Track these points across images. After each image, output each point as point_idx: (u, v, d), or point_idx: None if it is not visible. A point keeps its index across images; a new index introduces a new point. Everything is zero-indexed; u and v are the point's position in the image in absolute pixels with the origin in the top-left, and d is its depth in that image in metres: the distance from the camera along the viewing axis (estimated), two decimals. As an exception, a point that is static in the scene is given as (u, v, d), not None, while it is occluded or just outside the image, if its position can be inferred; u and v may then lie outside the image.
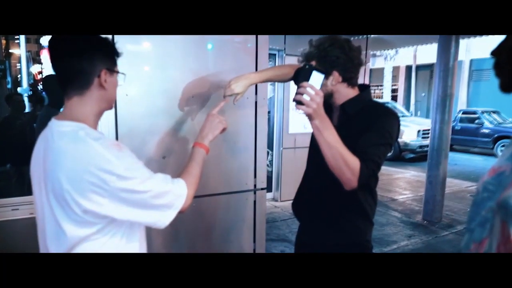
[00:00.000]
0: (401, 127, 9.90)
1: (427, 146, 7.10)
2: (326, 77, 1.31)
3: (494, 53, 0.75)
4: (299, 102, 1.21)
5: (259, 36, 2.38)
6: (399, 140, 9.92)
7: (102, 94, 1.09)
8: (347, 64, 1.45)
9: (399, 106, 13.09)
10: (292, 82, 1.87)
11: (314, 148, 1.45)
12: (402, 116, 11.33)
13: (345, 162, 1.26)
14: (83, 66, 1.04)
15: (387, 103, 12.74)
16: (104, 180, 0.95)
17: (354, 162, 1.27)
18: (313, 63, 1.46)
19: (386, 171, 8.27)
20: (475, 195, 0.74)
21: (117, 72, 1.13)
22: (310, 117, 1.24)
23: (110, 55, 1.11)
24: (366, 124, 1.40)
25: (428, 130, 10.19)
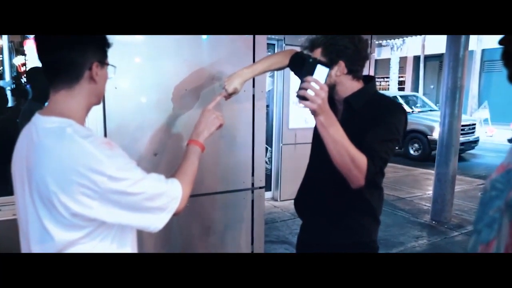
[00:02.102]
0: (432, 123, 9.37)
1: (463, 143, 6.57)
2: (331, 68, 1.31)
3: (502, 42, 0.75)
4: (303, 98, 1.22)
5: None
6: (429, 137, 9.13)
7: (92, 88, 1.08)
8: (354, 56, 1.46)
9: (426, 99, 11.68)
10: (292, 74, 1.87)
11: (318, 142, 1.46)
12: (431, 110, 10.41)
13: (351, 159, 1.27)
14: (74, 58, 1.03)
15: (414, 96, 11.56)
16: (94, 181, 0.94)
17: (361, 159, 1.29)
18: (318, 50, 1.46)
19: (393, 168, 8.29)
20: (482, 193, 0.74)
21: (108, 64, 1.13)
22: (314, 113, 1.24)
23: (102, 46, 1.10)
24: (372, 119, 1.41)
25: (467, 125, 9.40)
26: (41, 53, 1.04)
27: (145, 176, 1.05)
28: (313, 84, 1.21)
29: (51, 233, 0.98)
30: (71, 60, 1.03)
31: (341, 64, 1.46)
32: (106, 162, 0.95)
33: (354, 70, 1.49)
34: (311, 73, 1.24)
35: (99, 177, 0.94)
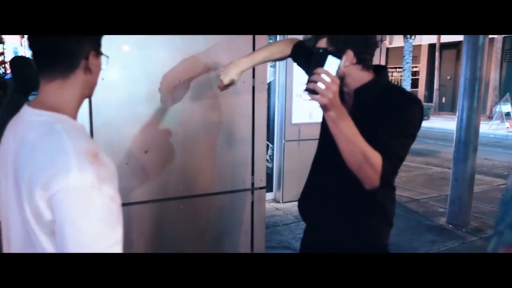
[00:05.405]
0: None
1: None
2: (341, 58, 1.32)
3: None
4: (312, 91, 1.22)
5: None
6: None
7: (87, 79, 1.09)
8: (363, 43, 1.47)
9: None
10: (295, 65, 1.87)
11: (326, 138, 1.47)
12: None
13: (365, 158, 1.28)
14: (71, 46, 1.04)
15: None
16: (49, 187, 0.91)
17: (375, 158, 1.30)
18: (324, 40, 1.47)
19: (405, 166, 8.29)
20: (504, 192, 0.75)
21: (102, 54, 1.14)
22: (325, 108, 1.25)
23: (98, 35, 1.11)
24: (386, 113, 1.42)
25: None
26: (35, 40, 1.04)
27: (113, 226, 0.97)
28: (323, 76, 1.21)
29: (32, 240, 0.98)
30: (68, 48, 1.03)
31: (350, 53, 1.46)
32: (75, 174, 0.92)
33: (364, 59, 1.49)
34: (321, 65, 1.24)
35: (55, 186, 0.91)
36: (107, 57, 1.16)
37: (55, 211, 0.92)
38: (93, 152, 0.99)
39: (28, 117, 1.04)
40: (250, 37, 2.36)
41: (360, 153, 1.28)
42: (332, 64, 1.26)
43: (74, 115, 1.09)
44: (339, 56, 1.28)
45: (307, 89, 1.23)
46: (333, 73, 1.24)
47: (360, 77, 1.51)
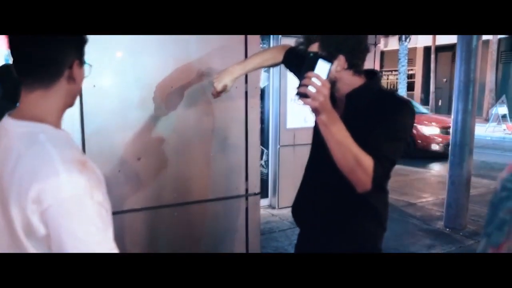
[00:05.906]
0: None
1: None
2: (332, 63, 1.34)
3: None
4: (303, 95, 1.23)
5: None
6: None
7: (70, 88, 1.09)
8: (354, 48, 1.48)
9: None
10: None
11: (318, 142, 1.48)
12: None
13: (357, 162, 1.30)
14: (54, 55, 1.04)
15: None
16: (40, 199, 0.91)
17: (366, 161, 1.32)
18: (315, 45, 1.48)
19: (402, 170, 8.31)
20: (493, 194, 0.76)
21: (85, 63, 1.14)
22: (316, 111, 1.27)
23: (82, 43, 1.11)
24: (378, 117, 1.44)
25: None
26: (16, 48, 1.04)
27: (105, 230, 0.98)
28: (314, 80, 1.22)
29: (22, 250, 0.98)
30: (51, 57, 1.03)
31: (341, 58, 1.47)
32: (64, 182, 0.92)
33: (355, 64, 1.51)
34: (312, 69, 1.26)
35: (48, 199, 0.91)
36: (90, 65, 1.16)
37: (50, 224, 0.92)
38: (81, 160, 0.99)
39: (10, 128, 1.03)
40: (242, 40, 2.38)
41: (352, 156, 1.30)
42: (322, 68, 1.28)
43: (57, 124, 1.08)
44: (329, 60, 1.30)
45: (298, 93, 1.25)
46: (324, 77, 1.26)
47: (351, 81, 1.53)
